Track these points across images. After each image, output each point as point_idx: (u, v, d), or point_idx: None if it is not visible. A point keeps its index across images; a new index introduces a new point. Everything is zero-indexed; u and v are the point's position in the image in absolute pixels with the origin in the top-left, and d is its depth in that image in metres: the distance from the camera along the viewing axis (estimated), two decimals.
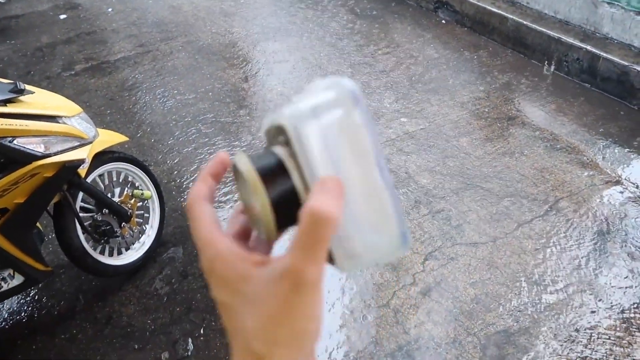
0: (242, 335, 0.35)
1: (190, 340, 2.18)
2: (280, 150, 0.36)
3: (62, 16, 5.35)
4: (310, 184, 0.34)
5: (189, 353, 2.13)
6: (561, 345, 2.11)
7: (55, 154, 1.89)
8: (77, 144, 1.99)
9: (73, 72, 4.26)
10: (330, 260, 0.36)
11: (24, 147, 1.80)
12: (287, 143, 0.35)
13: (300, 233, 0.33)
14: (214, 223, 0.38)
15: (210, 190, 0.40)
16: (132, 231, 2.45)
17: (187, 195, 0.38)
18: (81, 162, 2.01)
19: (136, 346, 2.17)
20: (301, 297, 0.33)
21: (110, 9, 5.47)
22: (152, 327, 2.24)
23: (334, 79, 0.37)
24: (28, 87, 1.92)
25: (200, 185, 0.40)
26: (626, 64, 3.63)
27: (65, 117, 1.98)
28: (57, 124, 1.93)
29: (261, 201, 0.35)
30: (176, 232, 2.70)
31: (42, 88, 2.14)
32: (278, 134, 0.36)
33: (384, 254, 0.37)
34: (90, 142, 2.08)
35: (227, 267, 0.36)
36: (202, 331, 2.21)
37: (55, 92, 2.19)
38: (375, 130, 0.36)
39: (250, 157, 0.37)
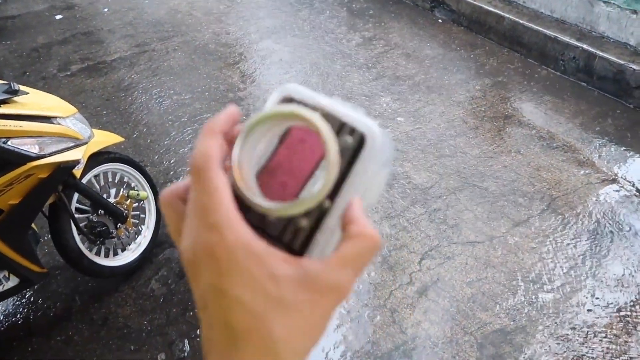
0: (266, 339, 0.31)
1: (186, 341, 2.17)
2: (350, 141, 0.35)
3: (58, 16, 5.34)
4: (344, 192, 0.34)
5: (186, 354, 2.12)
6: (557, 344, 2.11)
7: (50, 154, 1.88)
8: (72, 144, 1.98)
9: (69, 73, 4.25)
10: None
11: (19, 148, 1.79)
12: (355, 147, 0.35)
13: (355, 253, 0.33)
14: (233, 202, 0.32)
15: (222, 152, 0.34)
16: (128, 232, 2.44)
17: (199, 153, 0.33)
18: (76, 162, 2.00)
19: (132, 347, 2.16)
20: (334, 310, 0.34)
21: (106, 9, 5.46)
22: (149, 328, 2.23)
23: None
24: (22, 88, 1.91)
25: (211, 143, 0.34)
26: (622, 62, 3.64)
27: (59, 117, 1.97)
28: (52, 125, 1.93)
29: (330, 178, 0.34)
30: None
31: (38, 89, 2.13)
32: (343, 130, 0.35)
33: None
34: (86, 143, 2.07)
35: (254, 261, 0.31)
36: (198, 332, 2.20)
37: (51, 93, 2.18)
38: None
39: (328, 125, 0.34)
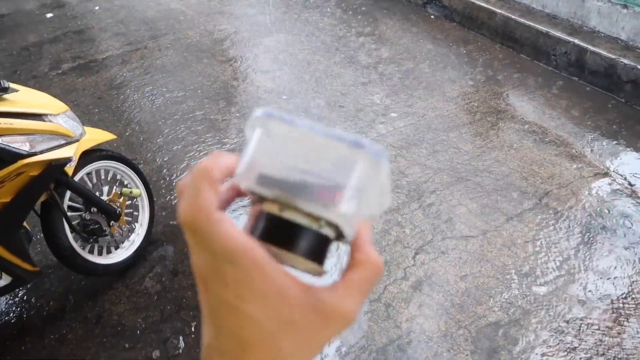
0: (270, 353, 0.33)
1: (181, 338, 2.17)
2: (325, 230, 0.35)
3: (49, 15, 5.30)
4: (348, 235, 0.36)
5: (180, 351, 2.12)
6: (551, 336, 2.12)
7: (41, 152, 1.87)
8: (63, 142, 1.97)
9: (60, 71, 4.22)
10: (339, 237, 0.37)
11: (9, 146, 1.78)
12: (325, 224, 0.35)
13: (362, 280, 0.35)
14: (241, 230, 0.34)
15: (222, 201, 0.36)
16: (122, 230, 2.43)
17: (191, 207, 0.33)
18: (68, 160, 1.99)
19: (127, 345, 2.15)
20: (333, 332, 0.35)
21: (97, 7, 5.42)
22: (143, 326, 2.23)
23: (356, 144, 0.34)
24: (12, 85, 1.90)
25: (210, 195, 0.34)
26: (613, 57, 3.66)
27: (50, 115, 1.96)
28: (43, 122, 1.91)
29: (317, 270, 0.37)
30: (166, 231, 2.69)
31: (29, 87, 2.11)
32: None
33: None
34: (77, 140, 2.06)
35: (267, 282, 0.33)
36: (193, 329, 2.20)
37: (43, 92, 2.16)
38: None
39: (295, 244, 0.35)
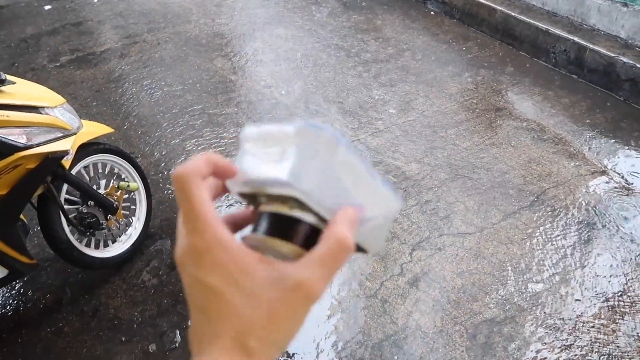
0: (236, 326, 0.35)
1: (177, 332, 2.17)
2: (296, 212, 0.38)
3: (47, 7, 5.27)
4: (327, 216, 0.38)
5: (177, 345, 2.12)
6: (547, 333, 2.13)
7: (38, 145, 1.86)
8: (60, 135, 1.96)
9: (58, 64, 4.21)
10: (360, 249, 0.42)
11: (6, 138, 1.77)
12: (290, 201, 0.38)
13: (323, 253, 0.36)
14: (212, 206, 0.37)
15: (207, 174, 0.38)
16: (119, 223, 2.42)
17: (181, 168, 0.37)
18: (65, 153, 1.98)
19: (123, 338, 2.15)
20: (305, 308, 0.36)
21: (95, 0, 5.39)
22: (139, 320, 2.23)
23: (306, 128, 0.38)
24: (9, 78, 1.89)
25: (199, 164, 0.37)
26: (612, 55, 3.66)
27: (47, 107, 1.95)
28: (40, 115, 1.91)
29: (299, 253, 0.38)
30: (163, 225, 2.68)
31: (26, 80, 2.10)
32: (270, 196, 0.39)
33: (391, 212, 0.43)
34: (74, 133, 2.05)
35: (229, 256, 0.35)
36: (189, 323, 2.19)
37: (40, 84, 2.15)
38: (357, 151, 0.40)
39: (272, 229, 0.38)
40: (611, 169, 3.01)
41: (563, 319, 2.19)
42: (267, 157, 0.39)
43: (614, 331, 2.14)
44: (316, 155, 0.37)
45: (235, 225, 0.43)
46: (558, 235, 2.58)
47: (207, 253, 0.35)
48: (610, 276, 2.38)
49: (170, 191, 2.90)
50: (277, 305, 0.35)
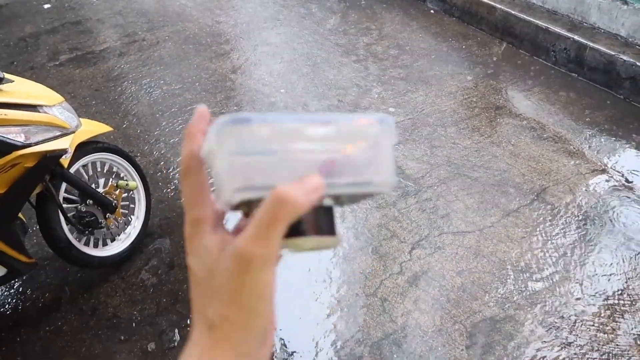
0: (200, 301, 0.37)
1: (176, 331, 2.17)
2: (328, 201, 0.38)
3: (46, 5, 5.26)
4: None
5: (176, 344, 2.12)
6: (546, 332, 2.13)
7: (36, 143, 1.86)
8: (58, 133, 1.96)
9: (57, 63, 4.20)
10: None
11: (4, 137, 1.76)
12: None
13: (259, 213, 0.33)
14: (208, 193, 0.38)
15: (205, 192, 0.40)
16: (117, 222, 2.42)
17: (183, 153, 0.38)
18: (63, 152, 1.98)
19: (122, 337, 2.15)
20: (249, 276, 0.34)
21: None
22: (138, 318, 2.22)
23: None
24: (7, 76, 1.88)
25: (194, 144, 0.38)
26: (613, 53, 3.65)
27: (46, 106, 1.94)
28: (38, 113, 1.90)
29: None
30: (163, 223, 2.68)
31: (25, 79, 2.10)
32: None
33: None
34: (73, 132, 2.05)
35: (199, 237, 0.37)
36: (188, 322, 2.20)
37: (40, 83, 2.14)
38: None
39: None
40: (611, 168, 3.00)
41: (563, 317, 2.19)
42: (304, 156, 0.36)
43: (613, 330, 2.14)
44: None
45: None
46: (558, 234, 2.57)
47: (189, 233, 0.38)
48: (610, 275, 2.37)
49: (169, 190, 2.90)
50: (226, 276, 0.35)
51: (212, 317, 0.36)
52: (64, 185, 2.15)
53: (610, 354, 2.05)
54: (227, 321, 0.35)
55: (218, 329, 0.35)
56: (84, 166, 2.29)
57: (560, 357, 2.04)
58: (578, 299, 2.26)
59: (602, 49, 3.70)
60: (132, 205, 2.52)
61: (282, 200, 0.33)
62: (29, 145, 1.83)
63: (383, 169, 0.38)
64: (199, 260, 0.37)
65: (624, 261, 2.43)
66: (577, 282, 2.33)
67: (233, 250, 0.35)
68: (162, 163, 3.09)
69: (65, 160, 2.06)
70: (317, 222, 0.36)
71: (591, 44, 3.76)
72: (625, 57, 3.59)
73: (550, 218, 2.66)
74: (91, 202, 2.26)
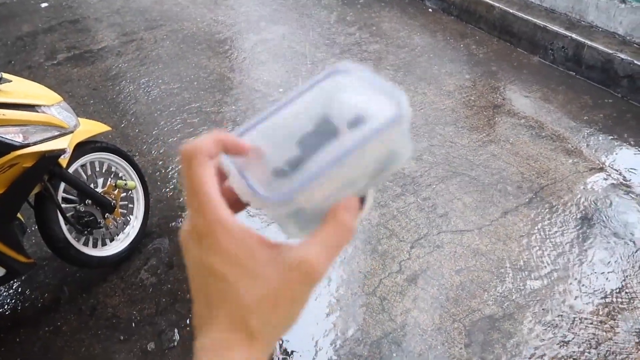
0: (236, 306, 0.34)
1: (176, 330, 2.17)
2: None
3: (44, 4, 5.24)
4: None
5: (175, 344, 2.12)
6: (545, 330, 2.13)
7: (35, 143, 1.86)
8: (57, 133, 1.95)
9: (55, 62, 4.19)
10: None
11: (2, 137, 1.76)
12: None
13: (328, 235, 0.35)
14: (216, 187, 0.36)
15: (216, 153, 0.37)
16: (116, 222, 2.42)
17: (188, 145, 0.37)
18: (62, 152, 1.98)
19: (122, 337, 2.15)
20: (306, 288, 0.35)
21: None
22: (138, 318, 2.22)
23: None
24: (5, 76, 1.88)
25: (207, 143, 0.37)
26: (610, 52, 3.65)
27: (44, 106, 1.94)
28: (36, 113, 1.90)
29: None
30: (161, 223, 2.68)
31: (23, 78, 2.09)
32: None
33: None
34: (71, 132, 2.04)
35: (230, 237, 0.35)
36: (188, 321, 2.20)
37: (37, 82, 2.14)
38: None
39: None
40: (609, 166, 3.01)
41: (561, 315, 2.19)
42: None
43: (612, 328, 2.14)
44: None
45: (238, 204, 0.41)
46: (556, 232, 2.58)
47: (208, 234, 0.35)
48: (608, 273, 2.38)
49: (168, 189, 2.89)
50: (277, 285, 0.34)
51: (254, 324, 0.34)
52: (62, 185, 2.15)
53: (609, 352, 2.06)
54: (269, 327, 0.35)
55: (261, 337, 0.34)
56: (83, 166, 2.29)
57: (559, 355, 2.05)
58: (576, 297, 2.27)
59: (600, 47, 3.71)
60: (130, 205, 2.52)
61: (349, 230, 0.36)
62: (28, 145, 1.83)
63: (403, 148, 0.41)
64: (230, 260, 0.35)
65: (622, 259, 2.44)
66: (575, 280, 2.34)
67: (301, 262, 0.34)
68: (160, 162, 3.09)
69: (63, 160, 2.05)
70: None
71: (589, 43, 3.77)
72: (623, 56, 3.59)
73: (548, 216, 2.67)
74: (90, 202, 2.26)
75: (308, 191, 0.36)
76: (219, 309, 0.35)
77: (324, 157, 0.36)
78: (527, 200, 2.77)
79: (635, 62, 3.52)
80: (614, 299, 2.26)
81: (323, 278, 0.35)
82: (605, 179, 2.91)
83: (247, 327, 0.34)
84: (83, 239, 2.28)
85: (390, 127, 0.38)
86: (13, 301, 2.32)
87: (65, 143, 1.99)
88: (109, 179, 2.42)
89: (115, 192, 2.40)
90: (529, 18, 4.16)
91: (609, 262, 2.43)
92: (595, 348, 2.07)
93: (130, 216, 2.51)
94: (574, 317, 2.18)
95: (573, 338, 2.10)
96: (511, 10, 4.29)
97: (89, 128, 2.26)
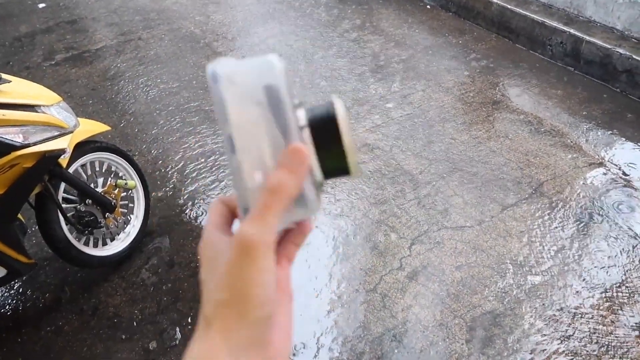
0: (204, 301, 0.37)
1: (177, 329, 2.17)
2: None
3: (41, 5, 5.24)
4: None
5: (177, 342, 2.13)
6: (546, 325, 2.14)
7: (35, 143, 1.86)
8: (57, 133, 1.95)
9: (53, 62, 4.19)
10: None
11: (2, 137, 1.76)
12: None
13: (257, 204, 0.36)
14: (214, 220, 0.41)
15: (225, 219, 0.41)
16: (117, 221, 2.42)
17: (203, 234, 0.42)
18: (62, 152, 1.98)
19: (123, 336, 2.16)
20: (246, 260, 0.34)
21: None
22: (139, 317, 2.23)
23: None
24: (4, 76, 1.88)
25: (213, 210, 0.41)
26: (609, 47, 3.65)
27: (44, 106, 1.94)
28: (36, 113, 1.90)
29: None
30: (162, 222, 2.68)
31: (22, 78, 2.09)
32: None
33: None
34: (71, 132, 2.04)
35: (208, 247, 0.38)
36: (189, 320, 2.20)
37: (36, 83, 2.14)
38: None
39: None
40: (608, 161, 3.01)
41: (562, 310, 2.20)
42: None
43: (612, 322, 2.15)
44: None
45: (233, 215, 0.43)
46: (556, 227, 2.58)
47: (201, 252, 0.39)
48: (609, 267, 2.38)
49: (167, 188, 2.89)
50: (225, 268, 0.35)
51: (208, 313, 0.35)
52: (62, 185, 2.15)
53: (610, 346, 2.06)
54: (222, 311, 0.35)
55: (214, 321, 0.35)
56: (83, 166, 2.29)
57: (560, 350, 2.05)
58: (577, 291, 2.28)
59: (599, 42, 3.71)
60: (131, 205, 2.52)
61: (273, 191, 0.35)
62: (28, 146, 1.83)
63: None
64: (205, 265, 0.38)
65: (622, 254, 2.45)
66: (575, 275, 2.35)
67: (236, 237, 0.35)
68: (160, 162, 3.09)
69: (63, 160, 2.05)
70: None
71: (587, 38, 3.77)
72: (621, 50, 3.59)
73: (548, 212, 2.67)
74: (90, 201, 2.26)
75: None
76: (203, 309, 0.37)
77: None
78: (526, 195, 2.77)
79: (634, 56, 3.53)
80: (615, 293, 2.26)
81: (264, 246, 0.35)
82: (605, 174, 2.91)
83: (205, 316, 0.36)
84: (84, 238, 2.29)
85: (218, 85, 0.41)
86: (14, 301, 2.33)
87: (65, 143, 1.99)
88: (109, 179, 2.42)
89: (116, 191, 2.40)
90: (527, 14, 4.16)
91: (609, 257, 2.43)
92: (596, 342, 2.07)
93: (131, 215, 2.51)
94: (575, 312, 2.19)
95: (574, 333, 2.11)
96: (509, 6, 4.29)
97: (89, 128, 2.26)
